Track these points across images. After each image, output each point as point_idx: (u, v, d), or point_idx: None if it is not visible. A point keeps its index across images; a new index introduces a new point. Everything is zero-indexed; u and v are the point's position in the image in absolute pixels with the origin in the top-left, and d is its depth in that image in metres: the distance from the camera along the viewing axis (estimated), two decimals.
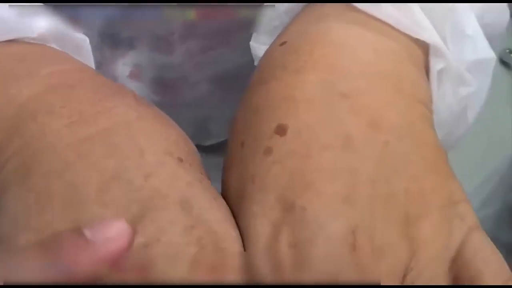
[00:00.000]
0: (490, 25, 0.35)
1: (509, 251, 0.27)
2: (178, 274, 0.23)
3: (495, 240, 0.26)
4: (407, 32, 0.29)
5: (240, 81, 0.32)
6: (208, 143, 0.51)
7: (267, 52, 0.30)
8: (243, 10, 0.39)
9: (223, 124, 0.48)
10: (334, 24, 0.29)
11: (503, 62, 2.13)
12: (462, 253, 0.25)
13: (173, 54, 0.46)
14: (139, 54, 0.46)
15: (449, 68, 0.30)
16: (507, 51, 2.13)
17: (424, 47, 0.30)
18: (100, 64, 0.45)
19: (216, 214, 0.25)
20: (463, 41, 0.30)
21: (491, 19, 0.36)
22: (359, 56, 0.28)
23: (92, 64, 0.33)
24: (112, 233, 0.23)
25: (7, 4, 0.29)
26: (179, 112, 0.51)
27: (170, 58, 0.46)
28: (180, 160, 0.26)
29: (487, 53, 0.32)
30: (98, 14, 0.41)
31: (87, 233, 0.23)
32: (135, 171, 0.25)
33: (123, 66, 0.46)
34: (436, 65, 0.30)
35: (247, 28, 0.36)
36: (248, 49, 0.36)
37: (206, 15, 0.40)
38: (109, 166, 0.25)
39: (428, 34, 0.29)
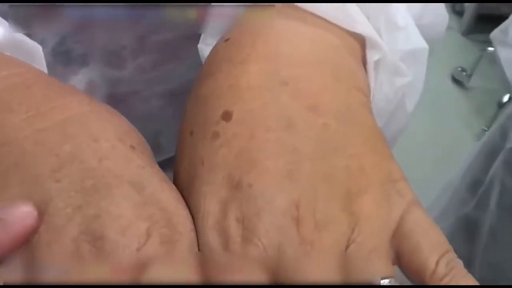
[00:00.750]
0: (428, 26, 0.38)
1: (464, 264, 0.28)
2: (130, 245, 0.24)
3: None
4: (343, 26, 0.31)
5: None
6: (160, 158, 0.52)
7: (213, 49, 0.32)
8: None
9: (174, 139, 0.49)
10: (274, 20, 0.31)
11: (455, 80, 2.19)
12: (402, 227, 0.27)
13: (125, 69, 0.47)
14: (92, 71, 0.47)
15: (385, 59, 0.32)
16: (459, 69, 2.19)
17: (361, 40, 0.32)
18: None
19: (167, 195, 0.26)
20: (396, 32, 0.32)
21: (430, 20, 0.38)
22: (298, 47, 0.30)
23: (44, 69, 0.34)
24: (20, 213, 0.24)
25: None
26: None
27: (122, 73, 0.47)
28: (132, 147, 0.28)
29: (420, 43, 0.33)
30: (52, 31, 0.42)
31: (0, 213, 0.24)
32: (89, 154, 0.26)
33: (77, 83, 0.46)
34: (372, 56, 0.32)
35: (197, 41, 0.38)
36: (198, 63, 0.37)
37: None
38: (64, 150, 0.26)
39: (363, 28, 0.31)
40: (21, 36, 0.33)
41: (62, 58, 0.45)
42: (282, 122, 0.27)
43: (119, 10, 0.42)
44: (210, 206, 0.26)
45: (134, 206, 0.25)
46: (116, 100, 0.49)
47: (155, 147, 0.52)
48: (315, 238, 0.25)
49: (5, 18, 0.33)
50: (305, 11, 0.31)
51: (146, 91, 0.50)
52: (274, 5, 0.32)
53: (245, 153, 0.26)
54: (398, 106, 0.34)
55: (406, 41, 0.33)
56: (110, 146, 0.27)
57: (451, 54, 2.22)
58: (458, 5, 2.39)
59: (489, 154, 0.87)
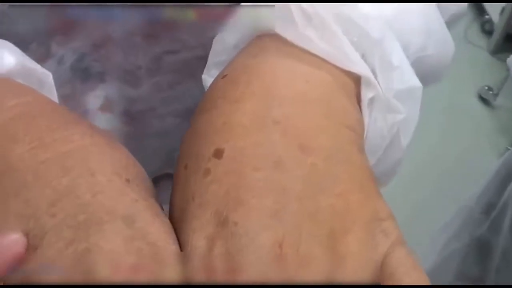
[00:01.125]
0: (433, 57, 0.39)
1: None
2: (119, 278, 0.25)
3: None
4: (339, 65, 0.32)
5: None
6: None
7: (211, 85, 0.33)
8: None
9: None
10: (270, 58, 0.32)
11: (481, 98, 2.18)
12: (385, 266, 0.27)
13: (141, 87, 0.48)
14: (109, 87, 0.48)
15: (379, 96, 0.33)
16: (486, 88, 2.19)
17: (356, 78, 0.33)
18: (71, 97, 0.48)
19: (158, 229, 0.27)
20: (390, 71, 0.33)
21: (435, 50, 0.38)
22: (292, 86, 0.30)
23: (54, 97, 0.35)
24: (9, 241, 0.26)
25: None
26: (148, 142, 0.54)
27: (138, 91, 0.49)
28: (128, 180, 0.29)
29: (414, 82, 0.34)
30: (71, 48, 0.44)
31: None
32: (85, 188, 0.27)
33: (95, 98, 0.49)
34: (366, 94, 0.33)
35: None
36: None
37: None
38: (62, 183, 0.27)
39: (358, 67, 0.32)
40: (32, 64, 0.34)
41: (81, 75, 0.47)
42: (271, 161, 0.28)
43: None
44: (198, 241, 0.27)
45: (124, 240, 0.26)
46: (133, 116, 0.51)
47: (171, 162, 0.54)
48: (297, 275, 0.26)
49: (6, 38, 0.34)
50: (302, 49, 0.32)
51: (162, 109, 0.51)
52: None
53: (233, 191, 0.27)
54: (392, 141, 0.35)
55: (401, 80, 0.33)
56: (106, 180, 0.28)
57: (478, 73, 2.22)
58: (487, 25, 2.38)
59: (504, 177, 0.87)
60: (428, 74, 0.41)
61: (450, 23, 0.46)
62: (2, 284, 0.26)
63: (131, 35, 0.44)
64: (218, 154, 0.28)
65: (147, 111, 0.51)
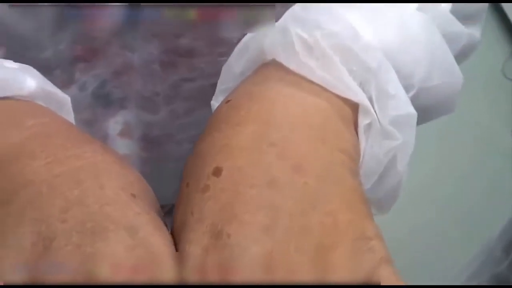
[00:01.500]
0: (440, 87, 0.40)
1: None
2: (119, 278, 0.27)
3: None
4: (337, 93, 0.34)
5: None
6: None
7: (215, 109, 0.35)
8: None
9: None
10: (273, 86, 0.34)
11: None
12: (370, 282, 0.29)
13: (159, 113, 0.51)
14: (128, 113, 0.51)
15: (375, 124, 0.34)
16: None
17: (354, 105, 0.34)
18: (92, 123, 0.50)
19: (158, 241, 0.29)
20: (387, 100, 0.35)
21: (441, 81, 0.40)
22: (290, 112, 0.32)
23: (71, 118, 0.38)
24: None
25: (2, 64, 0.35)
26: (165, 167, 0.56)
27: (155, 117, 0.51)
28: (133, 196, 0.31)
29: (409, 110, 0.36)
30: (93, 75, 0.46)
31: None
32: (94, 199, 0.29)
33: (114, 124, 0.51)
34: (363, 121, 0.35)
35: None
36: None
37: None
38: (73, 194, 0.29)
39: (356, 95, 0.34)
40: (52, 88, 0.36)
41: (102, 101, 0.49)
42: (265, 179, 0.30)
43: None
44: (193, 251, 0.28)
45: (126, 248, 0.28)
46: (150, 142, 0.53)
47: None
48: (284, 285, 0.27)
49: (33, 63, 0.36)
50: (303, 78, 0.34)
51: (179, 135, 0.53)
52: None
53: (229, 207, 0.29)
54: (389, 166, 0.36)
55: (396, 108, 0.35)
56: (113, 194, 0.30)
57: None
58: None
59: None
60: (436, 105, 0.42)
61: (464, 56, 0.47)
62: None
63: (150, 63, 0.47)
64: (217, 172, 0.30)
65: (165, 137, 0.53)
